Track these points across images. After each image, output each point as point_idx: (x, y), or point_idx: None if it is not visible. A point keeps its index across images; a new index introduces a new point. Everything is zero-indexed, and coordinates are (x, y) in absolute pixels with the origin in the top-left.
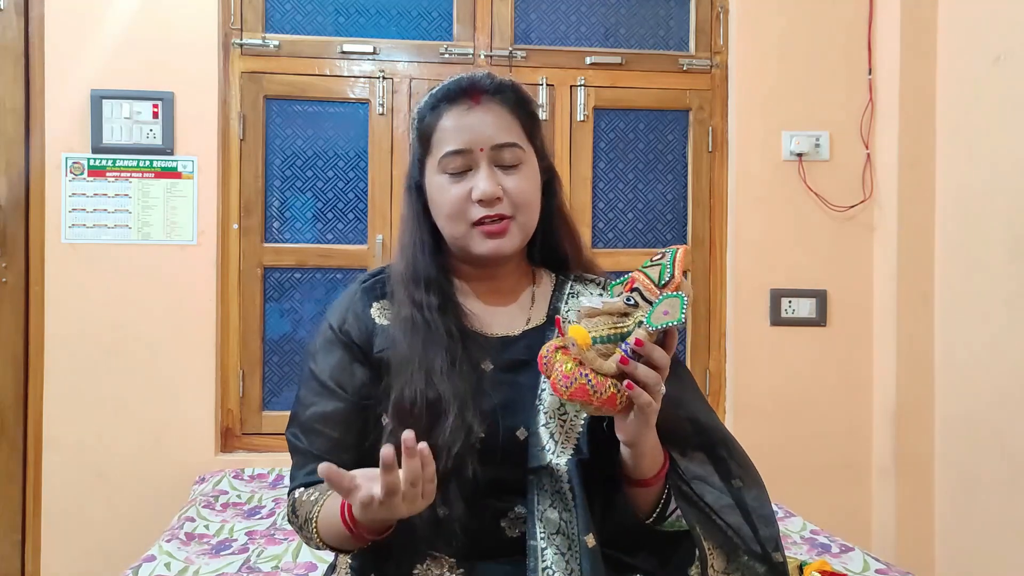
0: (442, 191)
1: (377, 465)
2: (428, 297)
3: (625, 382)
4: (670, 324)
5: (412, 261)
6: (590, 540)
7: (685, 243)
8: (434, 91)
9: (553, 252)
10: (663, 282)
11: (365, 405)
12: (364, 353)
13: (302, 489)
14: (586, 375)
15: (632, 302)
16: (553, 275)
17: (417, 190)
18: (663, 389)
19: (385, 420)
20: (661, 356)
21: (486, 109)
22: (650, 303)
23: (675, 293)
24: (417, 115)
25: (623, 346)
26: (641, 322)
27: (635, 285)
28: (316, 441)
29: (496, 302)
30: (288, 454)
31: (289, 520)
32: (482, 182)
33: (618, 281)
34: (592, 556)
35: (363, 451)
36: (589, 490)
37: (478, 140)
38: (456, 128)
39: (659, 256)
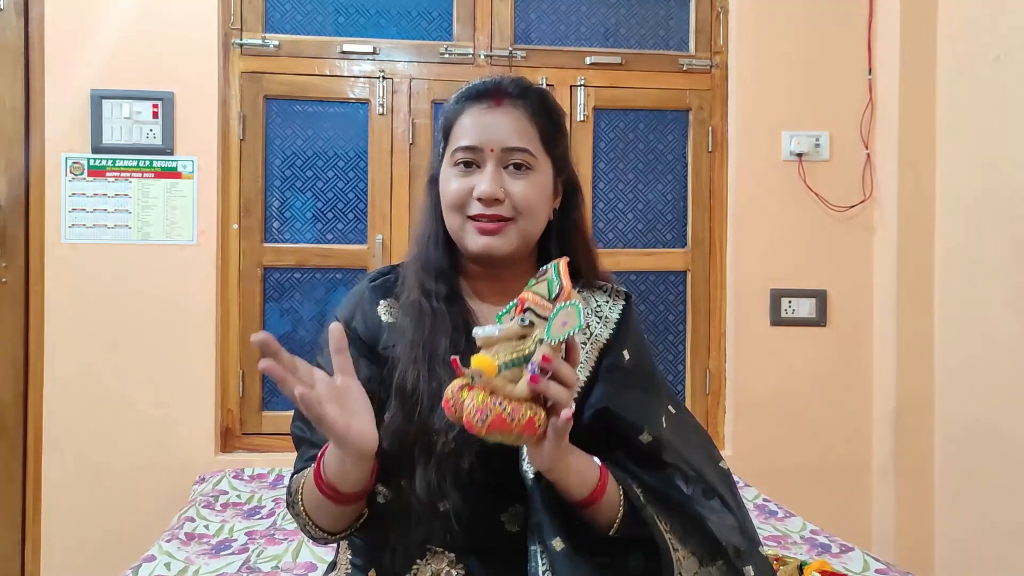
0: (448, 182)
1: (382, 459)
2: (438, 286)
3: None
4: (572, 332)
5: (424, 253)
6: (557, 544)
7: (686, 245)
8: (462, 88)
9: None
10: (553, 295)
11: (369, 399)
12: (370, 349)
13: (298, 474)
14: (500, 403)
15: (527, 322)
16: None
17: (436, 183)
18: (573, 407)
19: (387, 415)
20: (568, 371)
21: (506, 112)
22: (545, 319)
23: (568, 303)
24: (443, 110)
25: (530, 366)
26: (542, 339)
27: (526, 305)
28: (320, 431)
29: (500, 303)
30: (286, 454)
31: (287, 504)
32: (484, 182)
33: (505, 310)
34: (561, 559)
35: None
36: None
37: (490, 140)
38: (472, 125)
39: (542, 273)
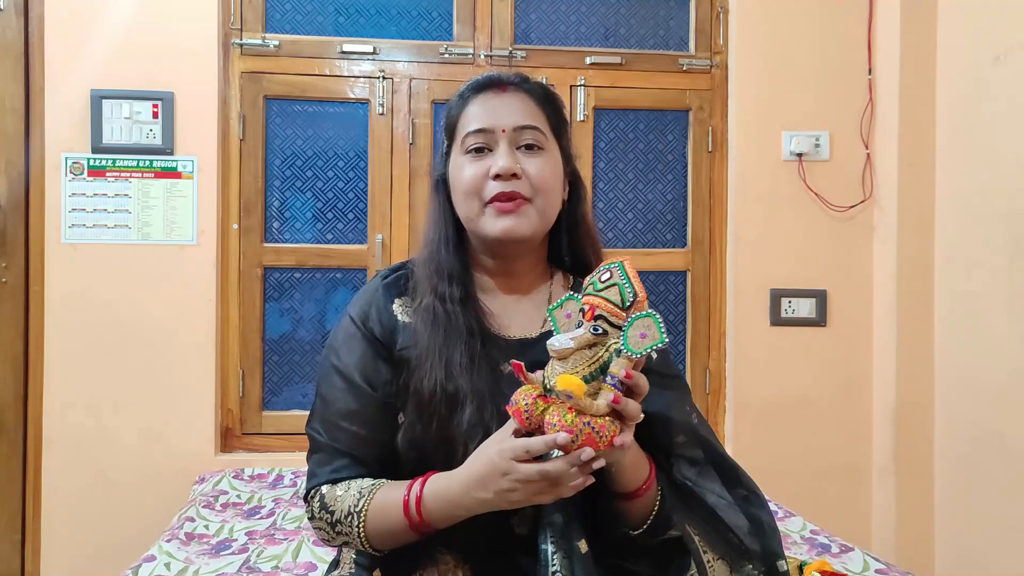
0: (461, 170)
1: (397, 461)
2: (451, 289)
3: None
4: (655, 347)
5: (435, 255)
6: (582, 546)
7: (686, 245)
8: (462, 86)
9: (574, 258)
10: (627, 303)
11: (388, 401)
12: (387, 349)
13: (329, 486)
14: (588, 423)
15: (600, 331)
16: (570, 276)
17: (443, 185)
18: (641, 417)
19: (401, 418)
20: (644, 383)
21: (513, 96)
22: (618, 327)
23: (645, 312)
24: (445, 110)
25: (610, 381)
26: (619, 350)
27: (598, 312)
28: (340, 437)
29: (514, 299)
30: (286, 454)
31: (313, 516)
32: (500, 159)
33: (556, 304)
34: (584, 562)
35: (385, 447)
36: (586, 495)
37: (501, 122)
38: (481, 111)
39: (606, 275)
